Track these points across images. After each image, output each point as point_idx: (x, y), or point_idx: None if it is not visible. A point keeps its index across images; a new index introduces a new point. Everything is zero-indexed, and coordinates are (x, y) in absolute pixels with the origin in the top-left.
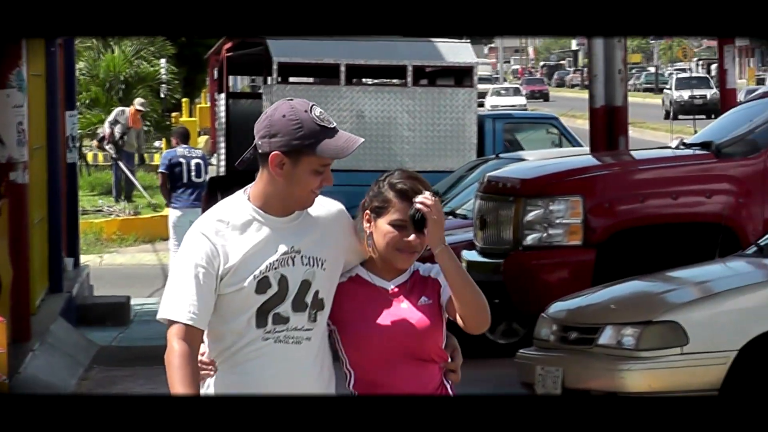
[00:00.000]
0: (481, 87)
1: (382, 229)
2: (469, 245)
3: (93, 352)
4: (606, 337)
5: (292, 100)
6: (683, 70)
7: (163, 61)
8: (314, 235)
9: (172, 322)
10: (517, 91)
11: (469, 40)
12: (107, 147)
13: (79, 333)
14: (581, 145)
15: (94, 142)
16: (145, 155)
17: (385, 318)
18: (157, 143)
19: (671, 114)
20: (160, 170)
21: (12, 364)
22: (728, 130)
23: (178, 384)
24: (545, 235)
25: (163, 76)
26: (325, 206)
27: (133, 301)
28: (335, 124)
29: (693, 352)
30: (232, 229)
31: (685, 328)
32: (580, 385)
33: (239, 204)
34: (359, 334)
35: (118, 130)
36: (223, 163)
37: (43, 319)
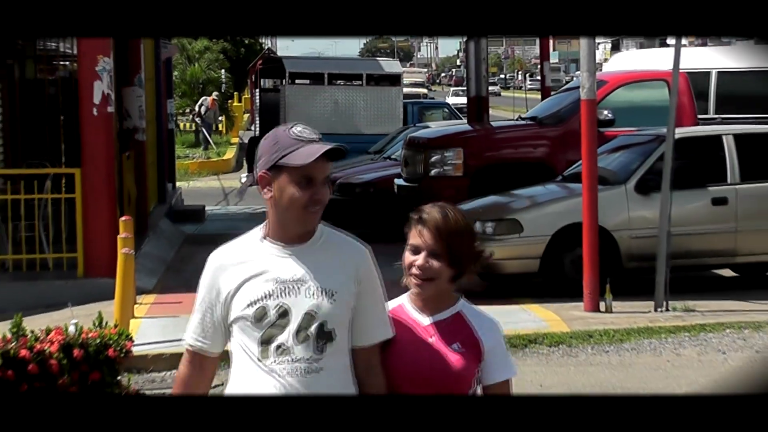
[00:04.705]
0: (418, 91)
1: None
2: (398, 176)
3: (182, 238)
4: (476, 228)
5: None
6: (532, 75)
7: (222, 71)
8: (328, 263)
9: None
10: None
11: (398, 59)
12: (196, 119)
13: (175, 227)
14: (461, 119)
15: (190, 116)
16: (219, 125)
17: (413, 353)
18: (219, 118)
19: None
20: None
21: (136, 245)
22: (546, 109)
23: None
24: (442, 170)
25: (223, 79)
26: (349, 243)
27: (206, 208)
28: (316, 138)
29: (526, 236)
30: (238, 258)
31: (521, 223)
32: None
33: (253, 234)
34: (388, 366)
35: (203, 110)
36: (258, 130)
37: (154, 218)
